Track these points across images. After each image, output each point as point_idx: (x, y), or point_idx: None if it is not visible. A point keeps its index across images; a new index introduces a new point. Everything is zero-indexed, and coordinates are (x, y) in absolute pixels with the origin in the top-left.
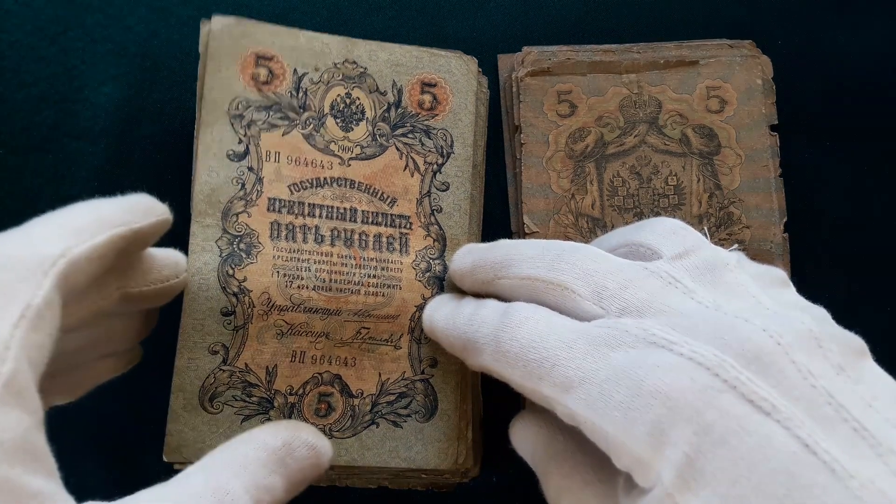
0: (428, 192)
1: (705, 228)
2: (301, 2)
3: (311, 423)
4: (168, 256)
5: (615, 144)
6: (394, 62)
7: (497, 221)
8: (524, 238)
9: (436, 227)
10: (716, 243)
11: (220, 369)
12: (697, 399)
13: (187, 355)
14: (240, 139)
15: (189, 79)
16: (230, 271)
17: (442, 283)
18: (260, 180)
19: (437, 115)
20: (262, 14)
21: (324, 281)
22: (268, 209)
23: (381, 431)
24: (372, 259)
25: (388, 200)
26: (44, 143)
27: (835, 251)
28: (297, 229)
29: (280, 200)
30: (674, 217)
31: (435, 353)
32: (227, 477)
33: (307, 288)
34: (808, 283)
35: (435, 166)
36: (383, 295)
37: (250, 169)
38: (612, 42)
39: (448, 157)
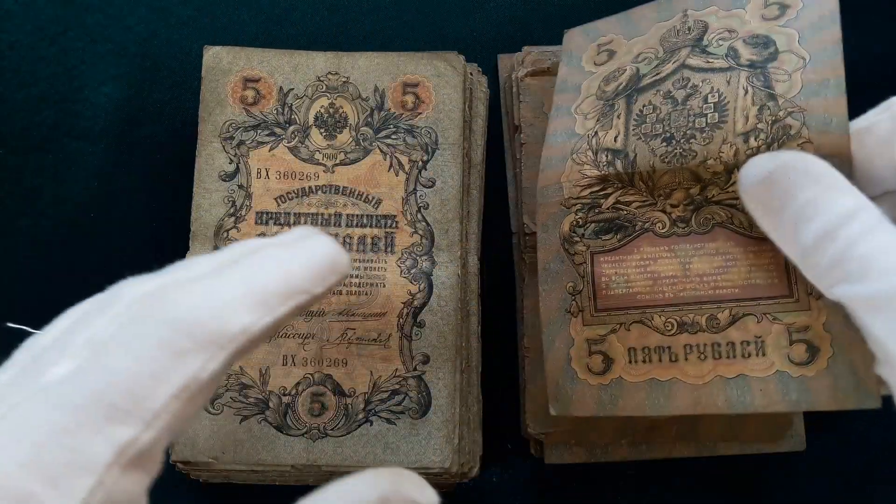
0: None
1: None
2: (301, 1)
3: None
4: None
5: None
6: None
7: (497, 222)
8: (524, 238)
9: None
10: None
11: None
12: None
13: None
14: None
15: (189, 79)
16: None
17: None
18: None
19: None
20: (262, 12)
21: None
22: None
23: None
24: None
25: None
26: (44, 143)
27: None
28: None
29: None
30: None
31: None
32: None
33: None
34: None
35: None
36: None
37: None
38: None
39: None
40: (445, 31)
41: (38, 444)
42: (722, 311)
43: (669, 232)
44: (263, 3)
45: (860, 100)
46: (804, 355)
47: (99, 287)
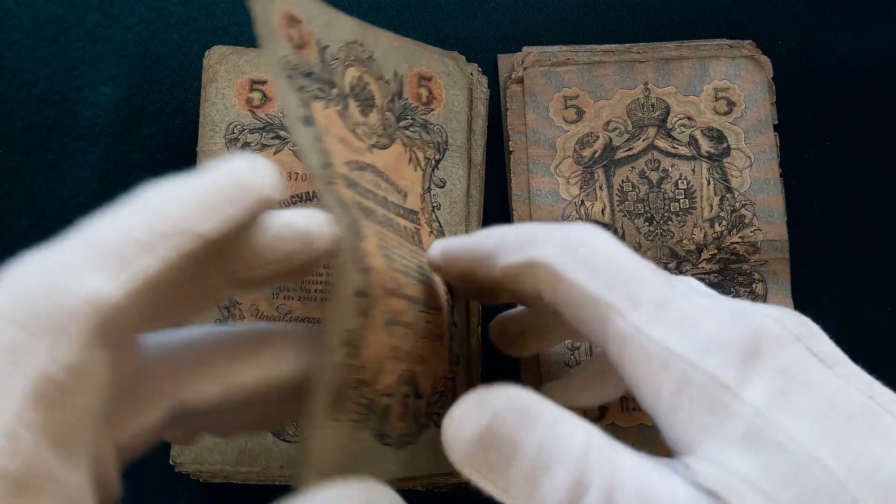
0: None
1: None
2: None
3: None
4: (289, 225)
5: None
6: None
7: (497, 222)
8: None
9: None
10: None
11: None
12: (777, 342)
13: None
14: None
15: (189, 79)
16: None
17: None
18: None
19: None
20: None
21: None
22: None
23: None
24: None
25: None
26: (44, 143)
27: (835, 251)
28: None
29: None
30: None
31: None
32: None
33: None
34: (809, 283)
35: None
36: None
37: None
38: (612, 42)
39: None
40: (445, 31)
41: None
42: None
43: None
44: None
45: (860, 100)
46: None
47: None
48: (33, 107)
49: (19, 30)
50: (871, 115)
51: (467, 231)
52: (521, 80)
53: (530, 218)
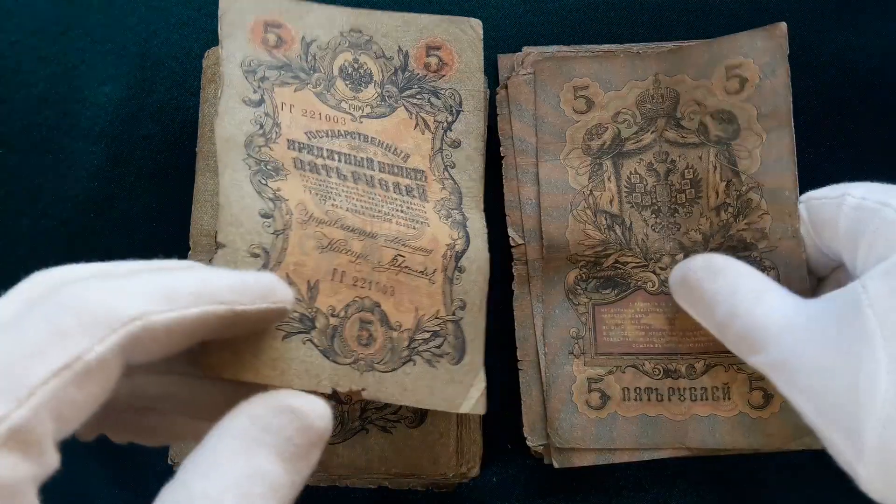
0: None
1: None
2: None
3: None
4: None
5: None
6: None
7: (496, 221)
8: (511, 250)
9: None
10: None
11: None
12: None
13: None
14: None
15: (189, 78)
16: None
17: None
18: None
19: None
20: None
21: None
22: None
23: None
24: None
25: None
26: (44, 143)
27: None
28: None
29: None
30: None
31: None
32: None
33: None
34: None
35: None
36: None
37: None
38: (612, 42)
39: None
40: None
41: None
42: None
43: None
44: None
45: (860, 100)
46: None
47: None
48: (33, 107)
49: (19, 30)
50: (871, 115)
51: (483, 191)
52: (506, 87)
53: (521, 223)
